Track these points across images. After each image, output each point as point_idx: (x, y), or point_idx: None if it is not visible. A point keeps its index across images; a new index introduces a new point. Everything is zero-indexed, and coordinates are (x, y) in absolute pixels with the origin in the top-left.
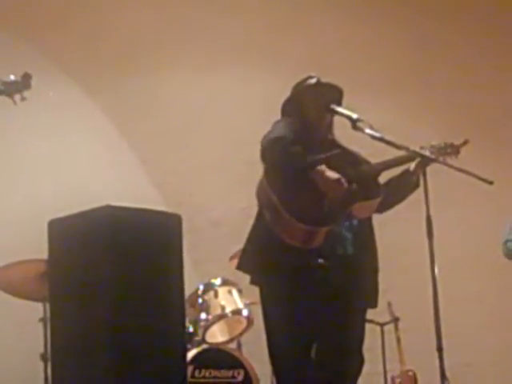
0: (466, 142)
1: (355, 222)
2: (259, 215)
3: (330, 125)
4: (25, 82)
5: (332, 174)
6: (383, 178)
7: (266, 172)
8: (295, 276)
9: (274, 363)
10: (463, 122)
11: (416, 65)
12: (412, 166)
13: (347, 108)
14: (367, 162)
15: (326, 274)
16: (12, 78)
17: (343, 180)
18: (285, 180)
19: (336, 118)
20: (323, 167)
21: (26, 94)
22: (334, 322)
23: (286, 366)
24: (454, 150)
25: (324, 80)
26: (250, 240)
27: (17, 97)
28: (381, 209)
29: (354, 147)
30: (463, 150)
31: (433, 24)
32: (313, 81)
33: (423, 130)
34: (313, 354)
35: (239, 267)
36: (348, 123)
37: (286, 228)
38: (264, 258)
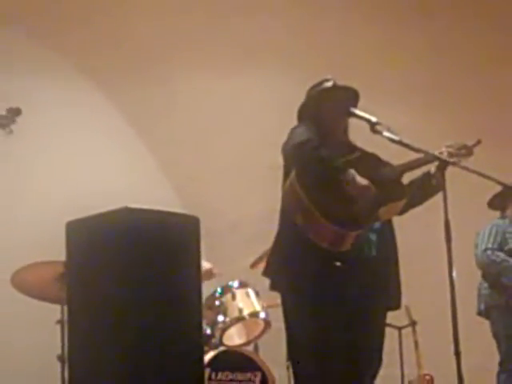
0: (478, 142)
1: (378, 223)
2: (283, 221)
3: (346, 127)
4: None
5: (361, 181)
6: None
7: (298, 175)
8: (318, 280)
9: (295, 367)
10: (477, 125)
11: (429, 67)
12: (432, 168)
13: (364, 110)
14: (388, 164)
15: (350, 276)
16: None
17: (371, 186)
18: (315, 183)
19: (352, 121)
20: (352, 172)
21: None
22: (358, 323)
23: (307, 371)
24: (468, 151)
25: (339, 82)
26: (274, 247)
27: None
28: (401, 210)
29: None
30: (479, 152)
31: (446, 27)
32: (329, 84)
33: (436, 133)
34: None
35: (265, 274)
36: (365, 125)
37: (318, 230)
38: (287, 264)
